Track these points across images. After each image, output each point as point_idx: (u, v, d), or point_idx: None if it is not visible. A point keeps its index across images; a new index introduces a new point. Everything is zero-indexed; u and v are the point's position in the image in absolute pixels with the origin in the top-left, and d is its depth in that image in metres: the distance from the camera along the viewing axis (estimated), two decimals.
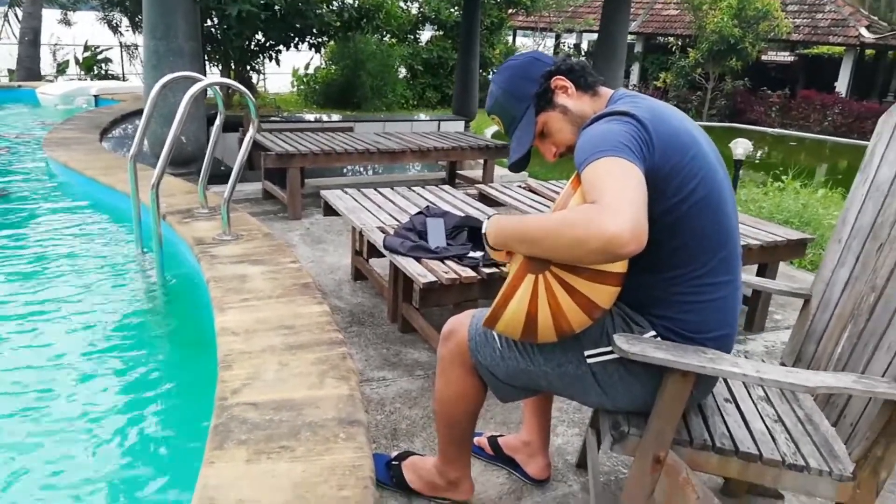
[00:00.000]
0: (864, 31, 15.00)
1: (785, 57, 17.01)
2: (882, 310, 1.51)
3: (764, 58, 16.27)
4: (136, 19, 11.25)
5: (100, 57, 12.70)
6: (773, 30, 14.38)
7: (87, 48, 12.67)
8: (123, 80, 12.52)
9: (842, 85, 15.98)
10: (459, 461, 1.79)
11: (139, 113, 6.97)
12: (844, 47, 15.81)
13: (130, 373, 2.32)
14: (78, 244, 3.40)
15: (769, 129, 15.25)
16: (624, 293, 1.38)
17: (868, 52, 16.57)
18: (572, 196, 1.32)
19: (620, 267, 1.31)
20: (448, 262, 2.48)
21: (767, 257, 3.13)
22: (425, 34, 14.72)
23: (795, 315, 3.42)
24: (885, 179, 1.69)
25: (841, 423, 1.54)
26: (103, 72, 12.65)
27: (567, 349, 1.49)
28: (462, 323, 1.67)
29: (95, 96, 8.24)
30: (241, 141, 6.14)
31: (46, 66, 12.33)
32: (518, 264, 1.36)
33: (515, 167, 1.59)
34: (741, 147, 5.34)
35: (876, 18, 17.91)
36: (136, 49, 12.80)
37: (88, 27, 12.63)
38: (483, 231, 1.47)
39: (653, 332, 1.45)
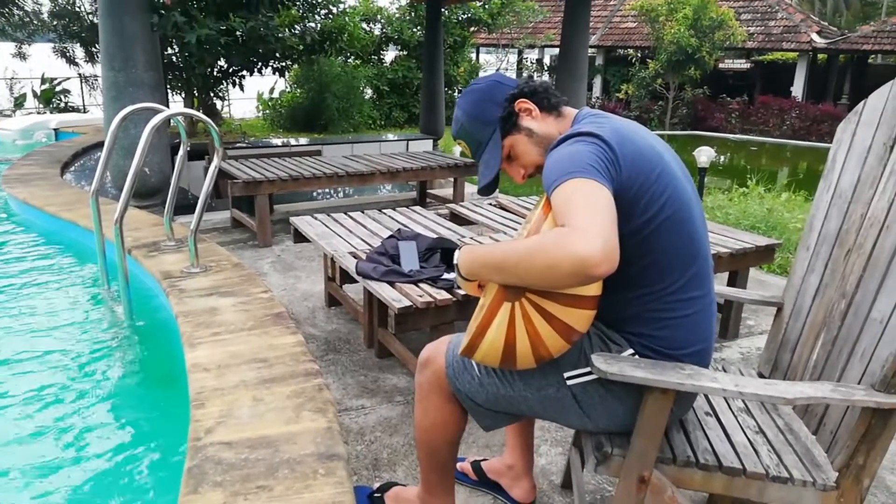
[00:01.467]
0: (815, 37, 15.48)
1: (742, 64, 17.44)
2: (853, 317, 1.53)
3: (721, 66, 16.66)
4: (93, 50, 11.12)
5: (58, 89, 12.49)
6: (729, 38, 14.74)
7: (44, 80, 12.45)
8: (84, 112, 12.33)
9: (797, 89, 16.44)
10: (442, 489, 1.76)
11: (101, 145, 6.85)
12: (798, 53, 16.29)
13: (98, 415, 2.25)
14: (40, 283, 3.31)
15: (730, 136, 15.58)
16: (599, 312, 1.36)
17: (820, 56, 17.08)
18: (544, 221, 1.31)
19: (595, 290, 1.30)
20: (422, 284, 2.46)
21: (738, 264, 3.17)
22: (389, 54, 14.78)
23: (768, 320, 3.49)
24: (848, 186, 1.72)
25: (821, 432, 1.54)
26: (63, 104, 12.44)
27: (546, 372, 1.47)
28: (439, 350, 1.65)
29: (55, 130, 8.08)
30: (206, 169, 6.07)
31: (3, 100, 12.09)
32: (493, 293, 1.34)
33: (485, 191, 1.58)
34: (705, 155, 5.43)
35: (826, 24, 18.51)
36: (96, 80, 12.63)
37: (44, 59, 12.42)
38: (455, 262, 1.45)
39: (630, 350, 1.44)
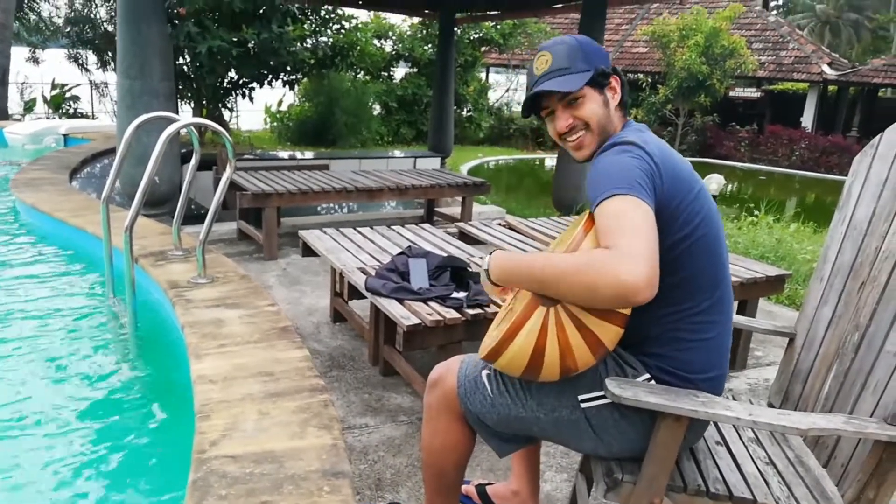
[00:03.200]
0: (826, 68, 15.54)
1: (752, 93, 17.51)
2: (866, 349, 1.51)
3: (732, 94, 16.72)
4: (105, 57, 11.24)
5: (68, 95, 12.59)
6: (740, 67, 14.81)
7: (54, 86, 12.56)
8: (93, 119, 12.41)
9: (807, 120, 16.47)
10: None
11: (110, 153, 6.89)
12: (808, 83, 16.34)
13: (103, 425, 2.23)
14: (47, 289, 3.30)
15: (739, 164, 15.59)
16: (627, 330, 1.36)
17: (831, 88, 17.13)
18: (584, 238, 1.32)
19: (627, 308, 1.31)
20: (431, 303, 2.45)
21: (748, 294, 3.15)
22: (399, 71, 14.89)
23: (776, 351, 3.46)
24: (863, 219, 1.71)
25: (832, 465, 1.53)
26: (72, 110, 12.54)
27: (560, 394, 1.46)
28: (450, 370, 1.64)
29: (65, 135, 8.13)
30: (215, 180, 6.09)
31: (14, 104, 12.19)
32: (527, 298, 1.34)
33: (544, 95, 1.49)
34: (715, 182, 5.44)
35: (837, 56, 18.60)
36: (106, 87, 12.74)
37: (56, 65, 12.54)
38: (484, 267, 1.45)
39: (647, 376, 1.44)
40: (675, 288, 1.38)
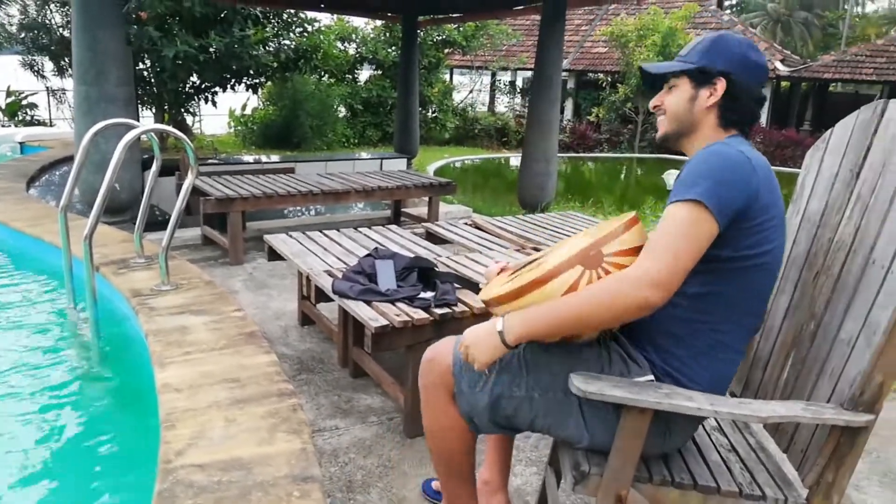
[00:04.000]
0: (779, 65, 15.96)
1: None
2: (822, 338, 1.56)
3: None
4: (62, 63, 10.97)
5: (24, 102, 12.26)
6: None
7: (9, 93, 12.22)
8: (50, 126, 12.11)
9: (762, 115, 16.89)
10: (464, 497, 1.72)
11: (68, 160, 6.73)
12: None
13: (66, 437, 2.18)
14: (4, 301, 3.22)
15: None
16: (647, 321, 1.41)
17: (784, 84, 17.60)
18: (623, 233, 1.40)
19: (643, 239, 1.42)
20: (399, 304, 2.45)
21: None
22: (364, 73, 14.84)
23: None
24: (816, 211, 1.77)
25: (792, 450, 1.57)
26: (28, 117, 12.21)
27: (559, 375, 1.48)
28: (445, 348, 1.62)
29: (21, 143, 7.91)
30: (177, 186, 5.98)
31: None
32: (565, 256, 1.38)
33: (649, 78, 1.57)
34: (674, 178, 5.52)
35: (789, 53, 19.09)
36: (64, 93, 12.44)
37: (11, 72, 12.19)
38: (498, 329, 1.42)
39: (650, 377, 1.46)
40: (720, 296, 1.43)
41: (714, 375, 1.48)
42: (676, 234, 1.31)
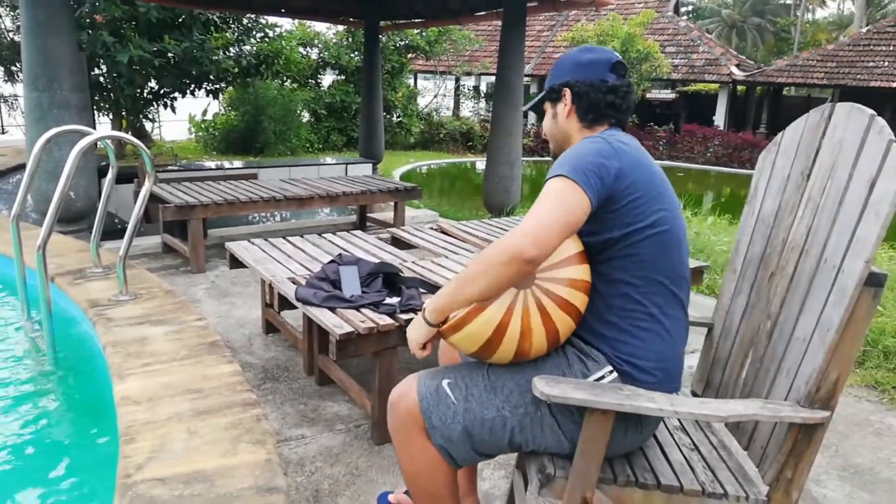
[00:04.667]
0: (734, 70, 16.35)
1: (667, 95, 18.23)
2: (778, 336, 1.60)
3: (648, 96, 17.36)
4: (13, 69, 10.66)
5: None
6: (655, 70, 15.40)
7: None
8: (2, 133, 11.74)
9: (719, 118, 17.29)
10: None
11: (21, 168, 6.55)
12: (719, 84, 17.16)
13: (19, 454, 2.11)
14: None
15: (658, 162, 16.14)
16: (581, 327, 1.53)
17: (740, 88, 18.04)
18: None
19: (581, 303, 1.48)
20: (364, 310, 2.43)
21: None
22: (327, 79, 14.75)
23: (697, 339, 3.59)
24: (770, 212, 1.81)
25: (752, 447, 1.60)
26: None
27: (525, 391, 1.50)
28: (408, 388, 1.59)
29: None
30: (135, 193, 5.86)
31: None
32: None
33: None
34: None
35: (744, 58, 19.58)
36: (16, 99, 12.09)
37: None
38: (422, 317, 1.54)
39: (609, 368, 1.49)
40: (634, 275, 1.49)
41: (662, 353, 1.52)
42: (545, 199, 1.41)
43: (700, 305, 4.18)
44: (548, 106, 1.70)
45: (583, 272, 1.49)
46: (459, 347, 1.52)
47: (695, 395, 1.94)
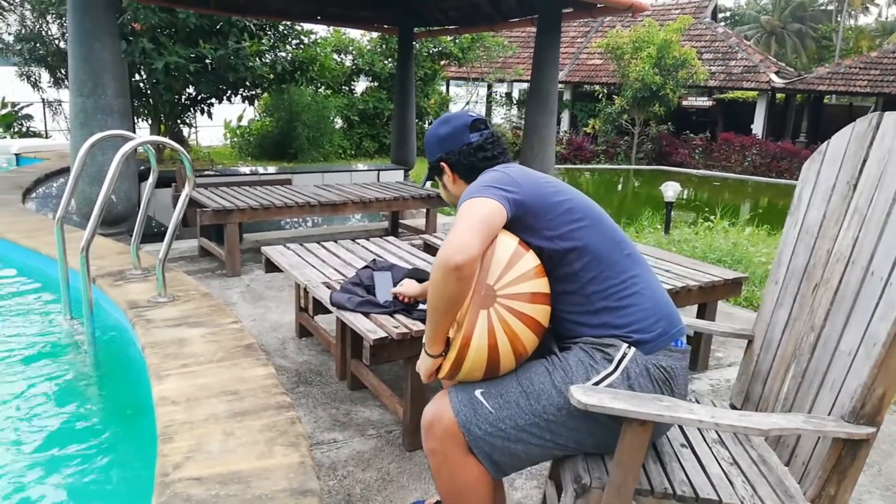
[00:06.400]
0: (773, 77, 16.06)
1: (704, 102, 17.99)
2: (822, 349, 1.56)
3: (685, 103, 17.15)
4: (58, 74, 10.99)
5: (20, 114, 12.25)
6: (692, 77, 15.21)
7: (4, 104, 12.22)
8: (46, 138, 12.10)
9: (757, 127, 16.98)
10: None
11: (64, 172, 6.73)
12: (757, 92, 16.87)
13: (61, 451, 2.16)
14: (0, 313, 3.20)
15: (694, 171, 15.97)
16: (580, 325, 1.59)
17: (779, 96, 17.71)
18: (502, 264, 1.54)
19: (544, 287, 1.57)
20: (397, 315, 2.44)
21: (706, 297, 3.22)
22: (360, 85, 14.89)
23: (736, 352, 3.54)
24: (814, 222, 1.77)
25: (793, 463, 1.56)
26: (24, 129, 12.20)
27: (559, 392, 1.51)
28: (442, 406, 1.58)
29: (17, 155, 7.91)
30: (174, 197, 5.98)
31: None
32: (468, 310, 1.51)
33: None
34: (671, 189, 5.55)
35: (783, 65, 19.22)
36: (60, 105, 12.44)
37: (7, 83, 12.20)
38: (425, 350, 1.62)
39: (625, 346, 1.53)
40: (584, 264, 1.58)
41: (654, 304, 1.59)
42: (464, 214, 1.51)
43: (738, 318, 4.10)
44: (438, 180, 1.86)
45: (541, 284, 1.56)
46: (471, 380, 1.58)
47: (734, 408, 1.90)
